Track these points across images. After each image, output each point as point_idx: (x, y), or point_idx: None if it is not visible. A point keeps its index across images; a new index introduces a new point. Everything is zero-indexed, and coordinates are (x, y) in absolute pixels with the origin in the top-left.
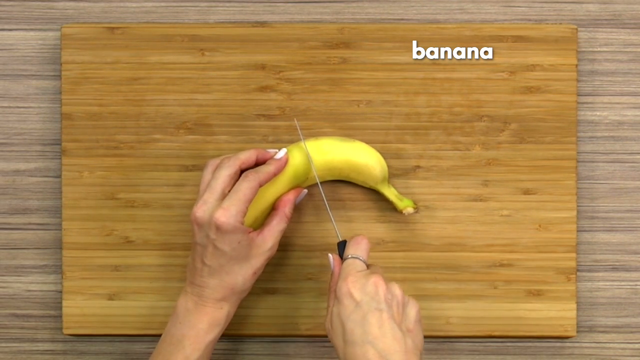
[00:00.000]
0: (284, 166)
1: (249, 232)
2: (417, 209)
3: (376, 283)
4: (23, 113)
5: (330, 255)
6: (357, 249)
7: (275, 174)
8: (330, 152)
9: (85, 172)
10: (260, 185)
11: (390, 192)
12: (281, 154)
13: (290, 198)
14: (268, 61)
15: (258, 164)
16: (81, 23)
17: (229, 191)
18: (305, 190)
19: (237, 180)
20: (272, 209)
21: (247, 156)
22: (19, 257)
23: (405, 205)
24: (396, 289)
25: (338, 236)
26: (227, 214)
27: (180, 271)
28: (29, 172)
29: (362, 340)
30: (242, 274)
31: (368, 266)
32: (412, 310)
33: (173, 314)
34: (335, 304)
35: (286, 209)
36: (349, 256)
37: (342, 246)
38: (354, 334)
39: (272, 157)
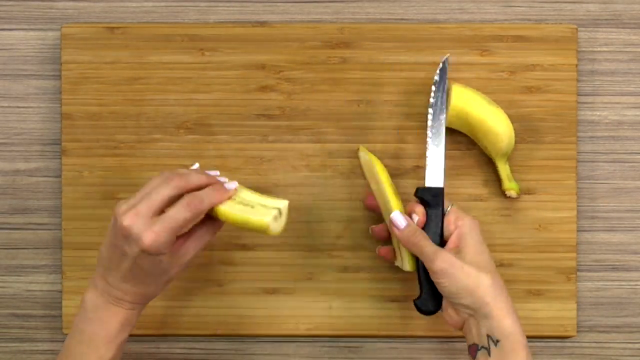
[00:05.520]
0: (227, 198)
1: (173, 243)
2: (519, 195)
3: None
4: (23, 113)
5: (394, 215)
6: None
7: (217, 204)
8: (470, 104)
9: (85, 172)
10: (199, 215)
11: (503, 169)
12: (232, 185)
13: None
14: (268, 61)
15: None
16: (81, 23)
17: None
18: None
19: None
20: (206, 216)
21: (198, 183)
22: (19, 257)
23: (511, 187)
24: None
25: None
26: (157, 241)
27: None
28: (29, 172)
29: (493, 266)
30: (157, 284)
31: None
32: None
33: (81, 307)
34: (469, 238)
35: (217, 224)
36: (452, 205)
37: (425, 192)
38: (491, 262)
39: (220, 184)
